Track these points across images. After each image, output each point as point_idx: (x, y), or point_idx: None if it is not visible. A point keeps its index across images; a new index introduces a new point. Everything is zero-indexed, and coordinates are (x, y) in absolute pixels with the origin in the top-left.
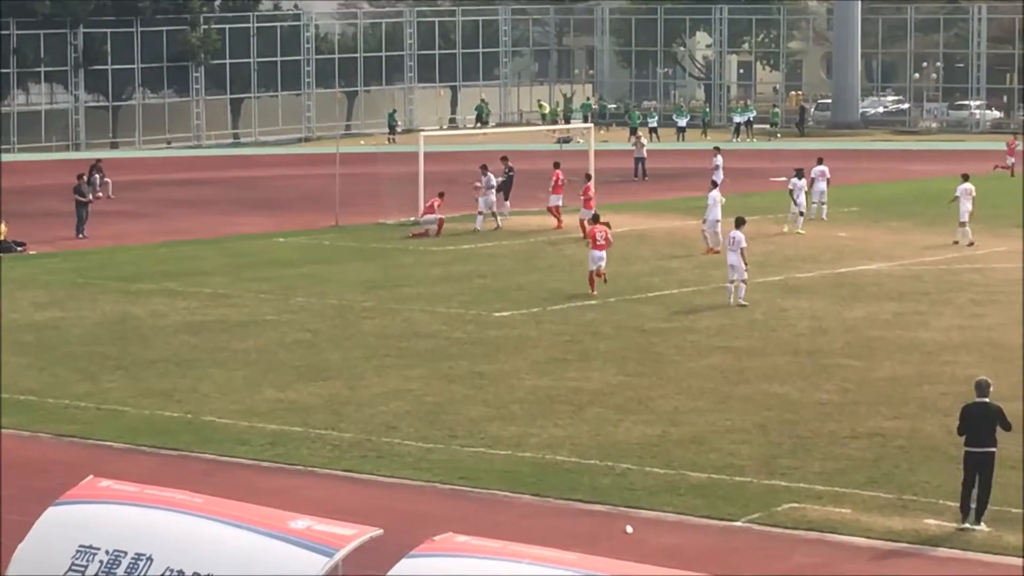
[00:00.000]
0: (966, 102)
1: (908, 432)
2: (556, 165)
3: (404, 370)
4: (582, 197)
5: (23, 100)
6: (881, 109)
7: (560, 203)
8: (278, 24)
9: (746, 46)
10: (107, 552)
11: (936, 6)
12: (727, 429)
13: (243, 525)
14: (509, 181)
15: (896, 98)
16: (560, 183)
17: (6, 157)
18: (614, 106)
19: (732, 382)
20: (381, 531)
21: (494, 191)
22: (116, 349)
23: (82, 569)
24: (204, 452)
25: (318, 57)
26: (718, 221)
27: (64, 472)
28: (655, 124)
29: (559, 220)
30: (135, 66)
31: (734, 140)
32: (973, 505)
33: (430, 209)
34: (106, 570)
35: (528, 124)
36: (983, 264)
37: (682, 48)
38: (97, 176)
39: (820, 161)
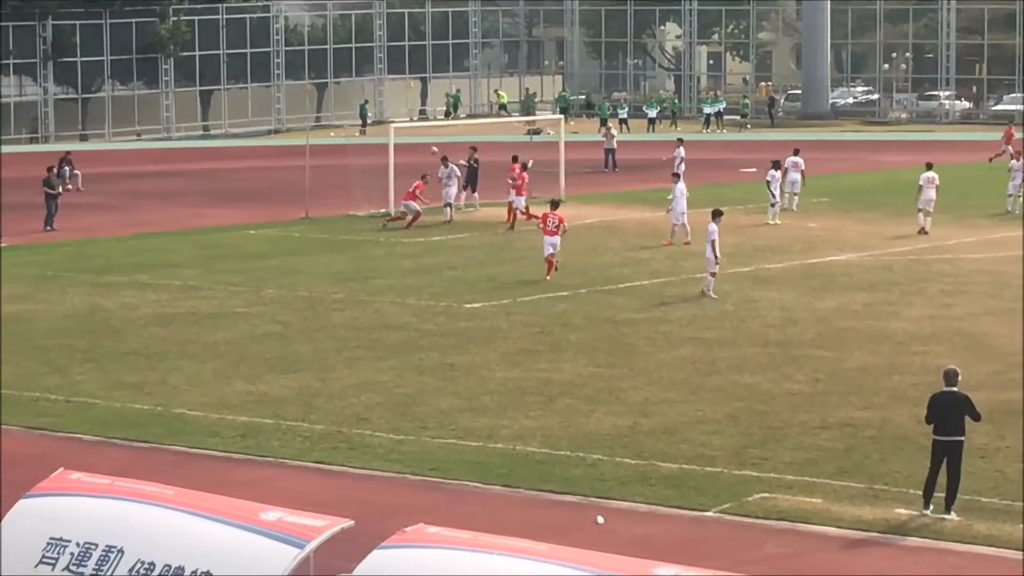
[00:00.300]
0: (935, 92)
1: (879, 422)
2: (514, 159)
3: (375, 362)
4: (509, 180)
5: None
6: (851, 100)
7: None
8: (247, 16)
9: (716, 37)
10: (78, 544)
11: None
12: (698, 420)
13: (214, 517)
14: (474, 172)
15: (866, 88)
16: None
17: None
18: (583, 97)
19: (703, 373)
20: (352, 522)
21: (455, 183)
22: (86, 342)
23: (53, 562)
24: (175, 444)
25: (288, 49)
26: (684, 213)
27: (34, 465)
28: (625, 115)
29: (515, 215)
30: (104, 58)
31: (704, 131)
32: (939, 493)
33: (412, 195)
34: (77, 562)
35: (498, 116)
36: (953, 254)
37: (652, 39)
38: (67, 168)
39: (796, 152)
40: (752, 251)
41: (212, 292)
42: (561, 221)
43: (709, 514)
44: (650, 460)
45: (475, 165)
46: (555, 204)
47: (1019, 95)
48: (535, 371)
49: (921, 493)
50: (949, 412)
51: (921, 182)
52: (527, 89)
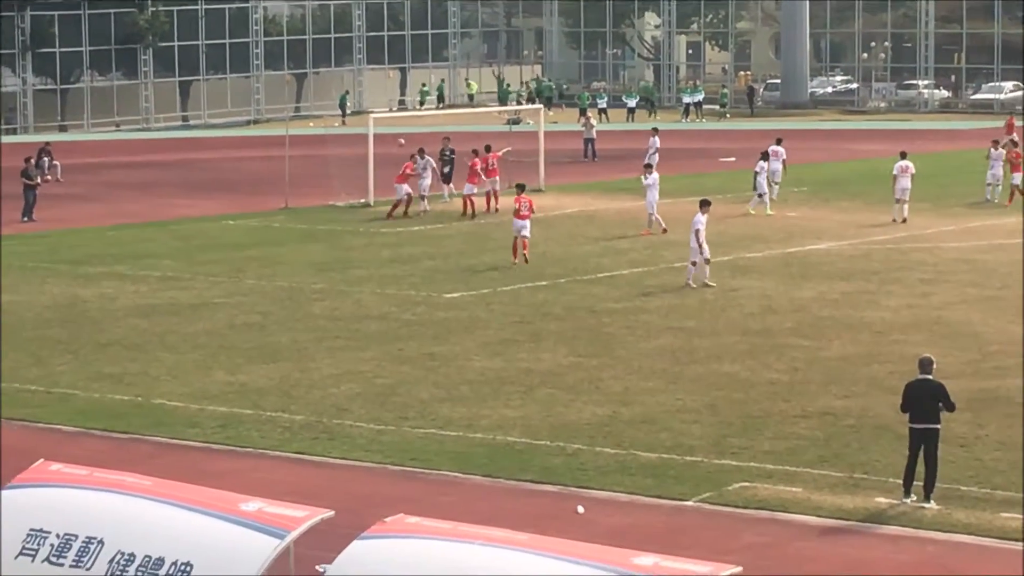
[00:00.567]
0: (914, 82)
1: (858, 411)
2: (487, 148)
3: (355, 352)
4: (470, 171)
5: None
6: (830, 89)
7: (497, 187)
8: (226, 6)
9: (695, 26)
10: (58, 536)
11: None
12: (678, 409)
13: (194, 508)
14: (450, 163)
15: (845, 78)
16: (491, 167)
17: None
18: (566, 87)
19: (682, 362)
20: (332, 513)
21: (430, 174)
22: (66, 333)
23: (33, 553)
24: (155, 435)
25: (267, 39)
26: (654, 203)
27: (14, 456)
28: (604, 105)
29: (488, 204)
30: (83, 49)
31: (683, 120)
32: (917, 482)
33: (403, 178)
34: (57, 554)
35: (478, 105)
36: (931, 243)
37: (631, 29)
38: (46, 159)
39: (778, 141)
40: (732, 240)
41: (192, 283)
42: (531, 204)
43: (689, 503)
44: (630, 450)
45: (451, 156)
46: (521, 188)
47: (998, 84)
48: (515, 361)
49: (901, 482)
50: (924, 400)
51: (895, 171)
52: (498, 77)
